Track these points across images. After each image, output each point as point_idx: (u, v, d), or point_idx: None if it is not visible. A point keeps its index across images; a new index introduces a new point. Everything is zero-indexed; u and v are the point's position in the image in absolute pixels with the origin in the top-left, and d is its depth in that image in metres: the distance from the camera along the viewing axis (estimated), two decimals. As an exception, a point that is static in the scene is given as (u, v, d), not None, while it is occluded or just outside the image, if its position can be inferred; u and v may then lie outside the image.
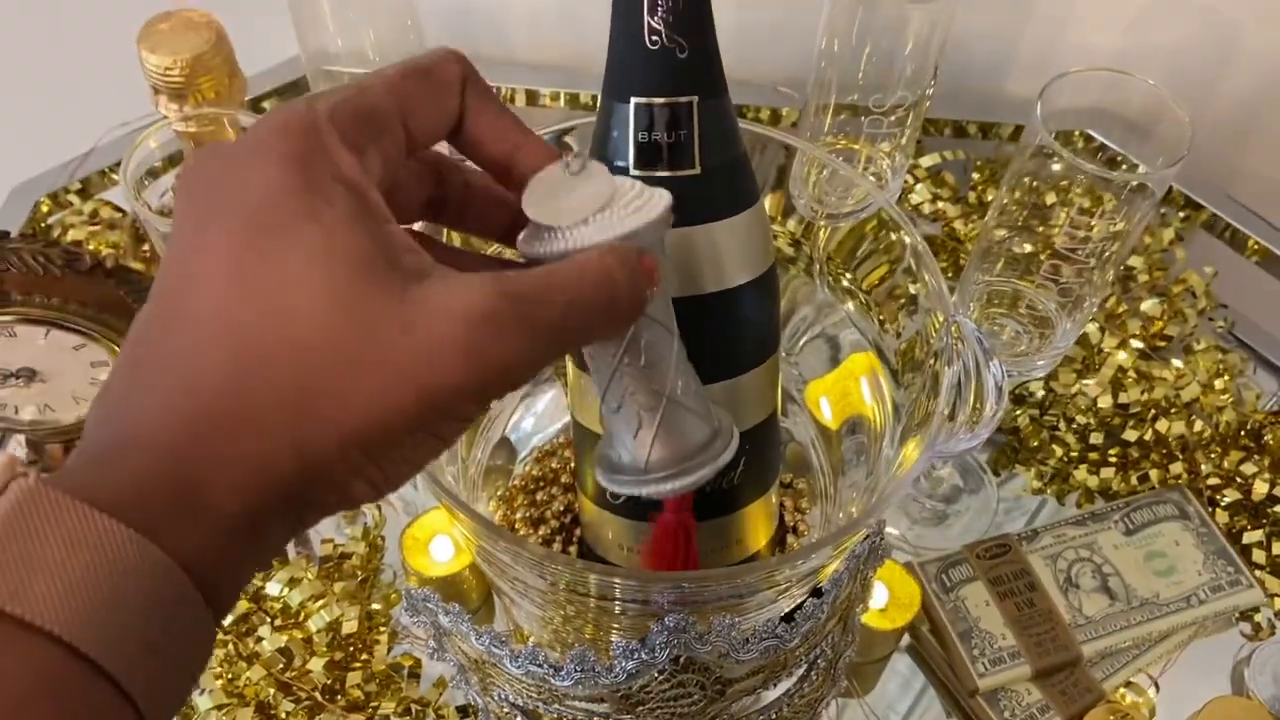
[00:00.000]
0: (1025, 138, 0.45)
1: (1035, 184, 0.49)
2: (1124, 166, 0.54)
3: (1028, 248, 0.49)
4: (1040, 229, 0.48)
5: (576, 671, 0.41)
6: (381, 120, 0.26)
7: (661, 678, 0.41)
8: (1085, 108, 0.49)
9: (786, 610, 0.43)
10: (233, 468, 0.23)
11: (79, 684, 0.20)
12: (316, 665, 0.54)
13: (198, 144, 0.51)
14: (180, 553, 0.22)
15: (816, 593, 0.43)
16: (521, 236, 0.30)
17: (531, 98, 0.77)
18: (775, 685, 0.45)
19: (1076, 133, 0.60)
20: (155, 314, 0.24)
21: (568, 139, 0.32)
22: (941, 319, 0.43)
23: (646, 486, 0.34)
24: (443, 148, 0.30)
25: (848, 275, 0.53)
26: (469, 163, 0.31)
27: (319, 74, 0.60)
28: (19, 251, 0.49)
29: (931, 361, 0.44)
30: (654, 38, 0.35)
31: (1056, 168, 0.48)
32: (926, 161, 0.71)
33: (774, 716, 0.47)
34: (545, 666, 0.42)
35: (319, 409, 0.23)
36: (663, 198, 0.30)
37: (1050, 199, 0.47)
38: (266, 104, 0.75)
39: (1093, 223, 0.45)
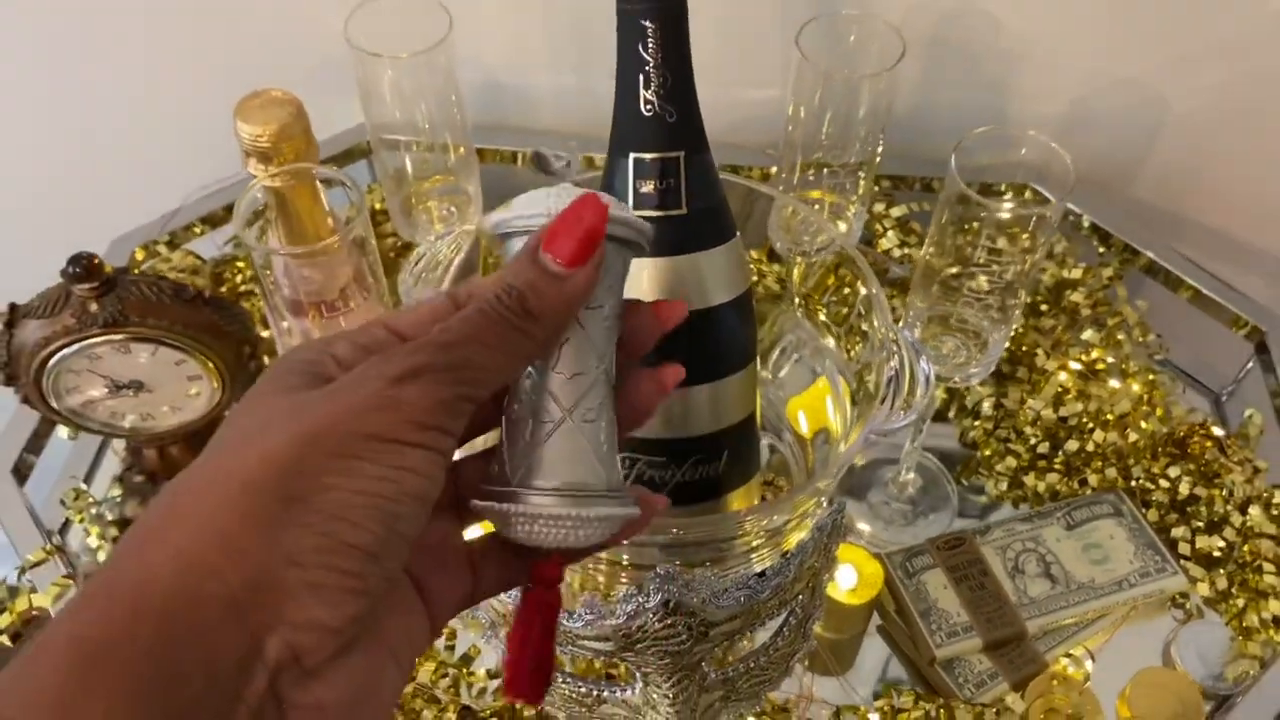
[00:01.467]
0: (947, 185, 0.55)
1: (969, 222, 0.59)
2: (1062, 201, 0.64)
3: (957, 273, 0.59)
4: (966, 257, 0.57)
5: (587, 614, 0.50)
6: (364, 327, 0.30)
7: (655, 618, 0.50)
8: (998, 162, 0.60)
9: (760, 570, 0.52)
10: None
11: None
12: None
13: (279, 195, 0.62)
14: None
15: (785, 556, 0.52)
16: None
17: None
18: (752, 633, 0.54)
19: (1027, 185, 0.71)
20: None
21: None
22: (883, 332, 0.53)
23: (506, 500, 0.29)
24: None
25: (824, 310, 0.63)
26: None
27: (379, 141, 0.72)
28: (138, 283, 0.61)
29: (874, 375, 0.53)
30: (648, 106, 0.46)
31: (1004, 214, 0.58)
32: (896, 212, 0.82)
33: (753, 664, 0.56)
34: (561, 611, 0.51)
35: (201, 478, 0.25)
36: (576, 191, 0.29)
37: (973, 234, 0.57)
38: (326, 165, 0.87)
39: (1007, 249, 0.55)
